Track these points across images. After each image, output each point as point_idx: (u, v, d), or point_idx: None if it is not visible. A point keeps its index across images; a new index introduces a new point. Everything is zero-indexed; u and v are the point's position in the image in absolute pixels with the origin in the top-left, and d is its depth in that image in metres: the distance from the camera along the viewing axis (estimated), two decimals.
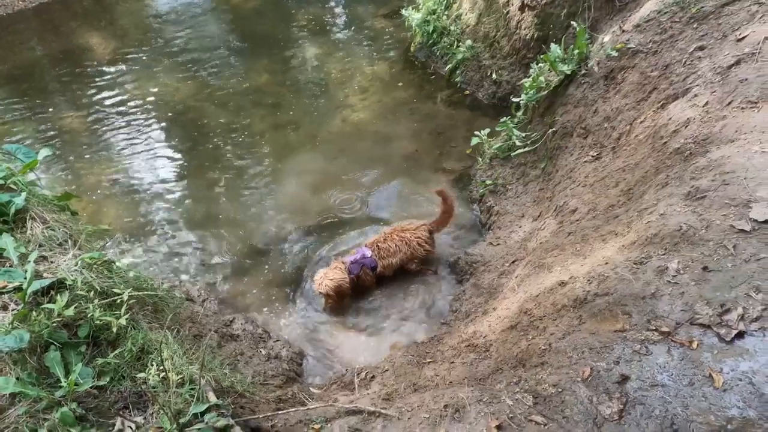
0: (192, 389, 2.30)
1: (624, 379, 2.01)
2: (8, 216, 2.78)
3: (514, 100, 5.13)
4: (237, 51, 9.12)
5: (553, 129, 4.63)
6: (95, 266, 2.74)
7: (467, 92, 7.06)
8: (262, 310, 4.69)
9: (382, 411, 2.35)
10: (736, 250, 2.22)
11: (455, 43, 7.17)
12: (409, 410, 2.35)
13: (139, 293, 2.75)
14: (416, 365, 3.44)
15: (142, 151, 6.77)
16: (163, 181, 6.26)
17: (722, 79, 3.26)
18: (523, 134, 4.96)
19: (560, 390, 2.07)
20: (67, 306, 2.35)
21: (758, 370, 1.84)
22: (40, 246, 2.78)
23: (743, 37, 3.40)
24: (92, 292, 2.52)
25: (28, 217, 2.88)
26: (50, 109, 7.64)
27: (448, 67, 7.26)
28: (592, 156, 4.13)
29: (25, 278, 2.46)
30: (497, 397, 2.17)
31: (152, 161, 6.61)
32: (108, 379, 2.33)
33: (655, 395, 1.91)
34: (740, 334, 1.96)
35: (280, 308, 4.71)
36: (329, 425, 2.32)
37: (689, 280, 2.24)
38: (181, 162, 6.59)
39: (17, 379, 2.15)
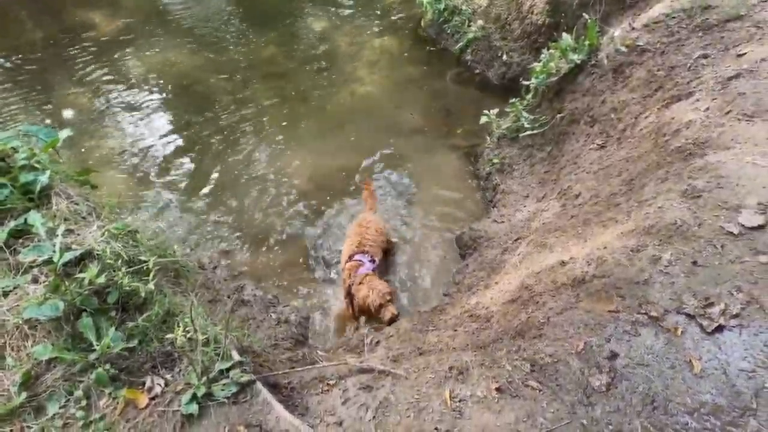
0: (216, 348, 2.49)
1: (614, 355, 2.21)
2: (34, 194, 2.90)
3: (525, 83, 5.21)
4: (242, 24, 9.09)
5: (561, 114, 4.75)
6: (120, 236, 2.89)
7: (477, 72, 7.11)
8: (270, 277, 4.86)
9: (392, 370, 2.55)
10: (724, 250, 2.40)
11: (466, 22, 7.18)
12: (416, 370, 2.55)
13: (163, 260, 2.91)
14: (420, 332, 3.64)
15: (147, 125, 6.84)
16: (169, 154, 6.35)
17: (723, 89, 3.44)
18: (532, 117, 5.08)
19: (555, 360, 2.28)
20: (97, 274, 2.51)
21: (732, 363, 2.05)
22: (66, 220, 2.91)
23: (743, 54, 3.61)
24: (119, 261, 2.68)
25: (53, 194, 3.01)
26: (54, 88, 7.59)
27: (458, 45, 7.28)
28: (598, 144, 4.26)
29: (54, 251, 2.62)
30: (498, 363, 2.38)
31: (158, 134, 6.67)
32: (137, 341, 2.51)
33: (641, 373, 2.11)
34: (720, 328, 2.15)
35: (288, 275, 4.88)
36: (343, 382, 2.52)
37: (680, 271, 2.42)
38: (186, 134, 6.65)
39: (53, 345, 2.34)
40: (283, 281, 4.84)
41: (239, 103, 7.06)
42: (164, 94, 7.39)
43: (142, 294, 2.59)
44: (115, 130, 6.76)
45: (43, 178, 2.97)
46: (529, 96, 5.25)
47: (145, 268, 2.74)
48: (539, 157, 5.02)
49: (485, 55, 7.04)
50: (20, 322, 2.42)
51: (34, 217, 2.81)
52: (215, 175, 5.96)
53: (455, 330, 3.25)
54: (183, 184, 5.89)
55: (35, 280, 2.65)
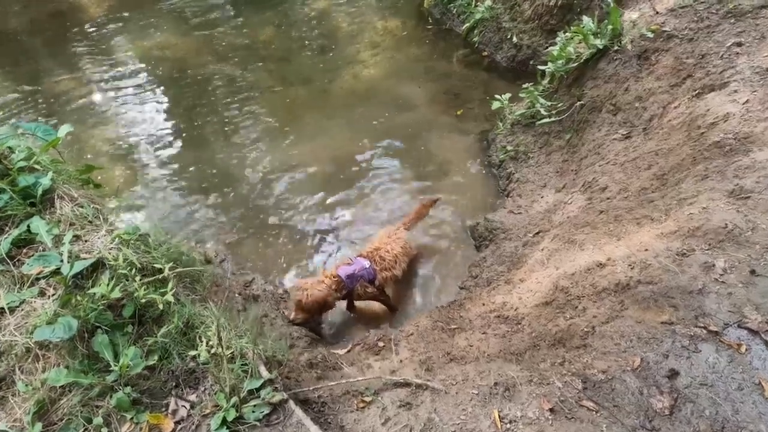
0: (243, 364, 2.33)
1: (674, 374, 2.08)
2: (36, 197, 2.69)
3: (541, 68, 5.01)
4: (239, 3, 8.70)
5: (582, 102, 4.56)
6: (132, 242, 2.70)
7: (485, 54, 6.87)
8: (279, 270, 4.68)
9: (429, 384, 2.41)
10: None
11: (473, 1, 6.91)
12: (454, 383, 2.42)
13: (182, 269, 2.72)
14: (443, 331, 3.50)
15: (143, 111, 6.51)
16: (167, 142, 6.06)
17: (762, 80, 3.29)
18: (549, 103, 4.87)
19: (610, 377, 2.14)
20: (111, 288, 2.32)
21: None
22: (71, 225, 2.71)
23: None
24: (133, 270, 2.49)
25: (56, 197, 2.80)
26: (42, 74, 7.19)
27: (465, 26, 7.03)
28: (622, 134, 4.11)
29: (62, 261, 2.43)
30: (546, 379, 2.23)
31: (155, 121, 6.36)
32: (156, 357, 2.34)
33: (705, 395, 1.98)
34: None
35: (297, 268, 4.68)
36: (379, 398, 2.38)
37: (736, 281, 2.28)
38: (184, 122, 6.35)
39: (68, 369, 2.15)
40: (293, 274, 4.65)
41: (238, 87, 6.78)
42: (159, 80, 7.04)
43: (160, 306, 2.40)
44: (108, 119, 6.42)
45: (45, 181, 2.76)
46: (546, 81, 5.06)
47: (160, 276, 2.56)
48: (556, 145, 4.85)
49: (493, 37, 6.78)
50: (30, 343, 2.23)
51: (38, 224, 2.62)
52: (217, 164, 5.70)
53: (484, 333, 3.12)
54: (184, 176, 5.62)
55: (42, 294, 2.46)
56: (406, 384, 2.46)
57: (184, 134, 6.16)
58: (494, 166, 5.38)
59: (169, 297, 2.42)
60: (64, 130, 3.04)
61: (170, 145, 6.01)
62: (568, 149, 4.69)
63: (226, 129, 6.14)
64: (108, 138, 6.09)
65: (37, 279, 2.46)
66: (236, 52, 7.40)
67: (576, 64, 4.64)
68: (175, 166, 5.73)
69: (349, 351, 3.76)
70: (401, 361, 3.04)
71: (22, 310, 2.34)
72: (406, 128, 6.01)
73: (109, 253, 2.55)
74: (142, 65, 7.31)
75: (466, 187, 5.34)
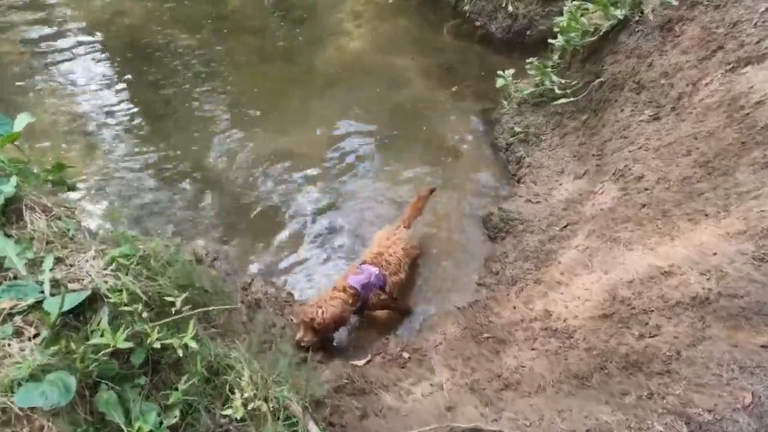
0: (288, 420, 1.95)
1: None
2: None
3: (551, 41, 4.64)
4: None
5: (601, 79, 4.24)
6: (132, 267, 2.22)
7: (478, 24, 6.43)
8: (275, 266, 4.28)
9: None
10: None
11: None
12: (528, 424, 2.13)
13: (203, 309, 2.26)
14: (476, 342, 3.20)
15: (99, 85, 5.72)
16: (129, 122, 5.33)
17: None
18: (562, 81, 4.53)
19: (718, 418, 1.89)
20: (120, 336, 1.86)
21: None
22: (49, 244, 2.19)
23: None
24: (139, 305, 2.03)
25: (23, 207, 2.25)
26: None
27: None
28: (649, 115, 3.83)
29: (43, 293, 1.94)
30: (643, 420, 1.97)
31: (112, 98, 5.59)
32: (177, 412, 1.92)
33: None
34: None
35: (296, 265, 4.29)
36: None
37: None
38: (147, 99, 5.62)
39: None
40: (292, 273, 4.25)
41: (208, 60, 6.10)
42: (113, 51, 6.18)
43: (179, 352, 1.97)
44: (58, 89, 5.60)
45: (8, 188, 2.17)
46: (556, 56, 4.71)
47: (174, 312, 2.11)
48: (571, 127, 4.53)
49: (487, 5, 6.34)
50: (8, 403, 1.76)
51: (5, 245, 2.08)
52: (188, 149, 5.08)
53: (533, 349, 2.83)
54: (150, 162, 4.95)
55: (19, 334, 1.96)
56: (478, 430, 2.14)
57: (147, 114, 5.45)
58: (501, 149, 5.05)
59: (190, 341, 1.99)
60: (23, 120, 2.39)
61: (133, 126, 5.30)
62: (585, 131, 4.39)
63: (194, 108, 5.50)
64: (57, 117, 5.29)
65: (11, 315, 1.96)
66: (204, 22, 6.63)
67: (595, 37, 4.31)
68: (139, 150, 5.06)
69: (368, 362, 3.44)
70: (443, 385, 2.73)
71: None
72: (400, 107, 5.60)
73: (105, 282, 2.08)
74: (92, 32, 6.40)
75: (470, 171, 5.01)
